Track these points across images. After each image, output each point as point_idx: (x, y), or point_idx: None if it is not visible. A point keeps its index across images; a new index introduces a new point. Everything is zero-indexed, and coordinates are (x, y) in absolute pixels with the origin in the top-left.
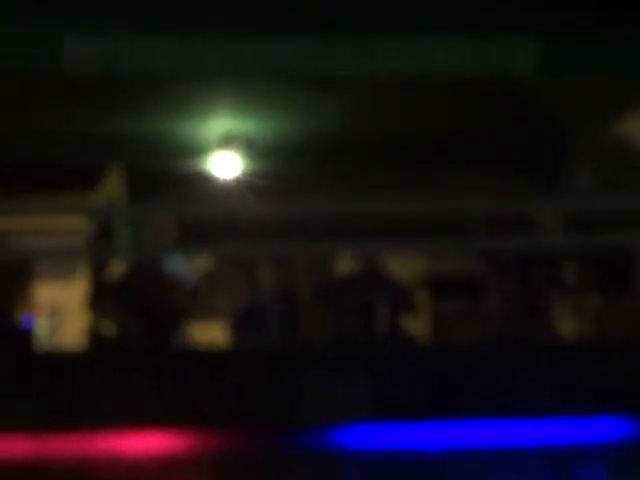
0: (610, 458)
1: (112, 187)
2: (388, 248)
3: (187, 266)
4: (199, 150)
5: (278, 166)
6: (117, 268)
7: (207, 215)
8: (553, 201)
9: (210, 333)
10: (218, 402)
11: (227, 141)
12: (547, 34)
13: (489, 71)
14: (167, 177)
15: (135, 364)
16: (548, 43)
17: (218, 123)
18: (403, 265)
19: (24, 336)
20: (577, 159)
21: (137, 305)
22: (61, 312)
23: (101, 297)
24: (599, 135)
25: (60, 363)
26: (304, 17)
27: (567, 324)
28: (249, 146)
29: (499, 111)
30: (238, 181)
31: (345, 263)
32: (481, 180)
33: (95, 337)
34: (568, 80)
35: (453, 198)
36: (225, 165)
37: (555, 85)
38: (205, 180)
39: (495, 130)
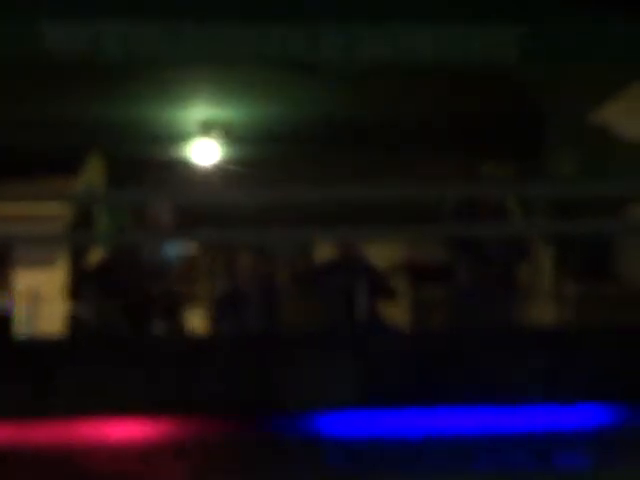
0: (592, 445)
1: (92, 174)
2: (366, 235)
3: (168, 253)
4: (179, 137)
5: (257, 153)
6: (96, 254)
7: (187, 202)
8: (534, 187)
9: (191, 319)
10: (200, 388)
11: (207, 128)
12: (530, 19)
13: (472, 57)
14: (147, 164)
15: (115, 350)
16: (531, 28)
17: (198, 110)
18: (382, 251)
19: (3, 322)
20: (559, 145)
21: (117, 291)
22: (40, 298)
23: (81, 283)
24: (581, 120)
25: (39, 349)
26: (286, 2)
27: (547, 310)
28: (229, 133)
29: (481, 96)
30: (217, 168)
31: (324, 249)
32: (461, 165)
33: (75, 323)
34: (550, 66)
35: (431, 184)
36: (205, 152)
37: (537, 70)
38: (185, 167)
39: (478, 115)
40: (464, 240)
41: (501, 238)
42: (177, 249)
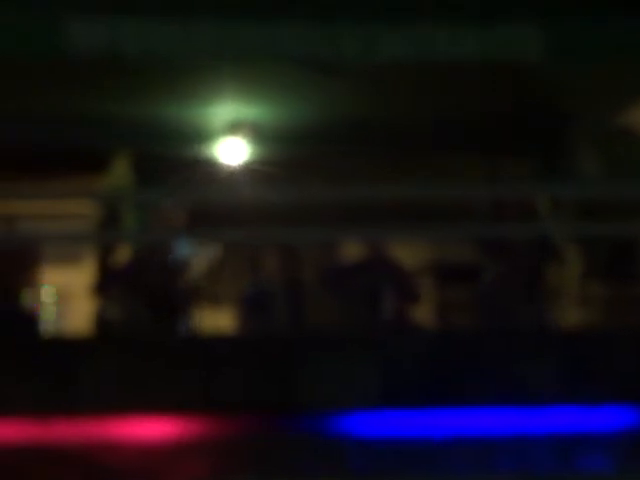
0: (614, 446)
1: (119, 172)
2: (393, 235)
3: (194, 252)
4: (206, 136)
5: (284, 151)
6: (123, 253)
7: (214, 201)
8: (556, 188)
9: (216, 319)
10: (224, 388)
11: (234, 127)
12: (551, 19)
13: (492, 56)
14: (174, 163)
15: (141, 349)
16: (552, 28)
17: (225, 109)
18: (408, 252)
19: (31, 320)
20: (581, 145)
21: (143, 290)
22: (67, 296)
23: (107, 282)
24: (603, 122)
25: (66, 346)
26: (310, 2)
27: (572, 312)
28: (256, 132)
29: (503, 97)
30: (245, 167)
31: (351, 249)
32: (483, 166)
33: (101, 322)
34: (571, 65)
35: (455, 184)
36: (232, 151)
37: (559, 70)
38: (212, 166)
39: (499, 115)
40: (491, 241)
41: (528, 239)
42: (202, 248)
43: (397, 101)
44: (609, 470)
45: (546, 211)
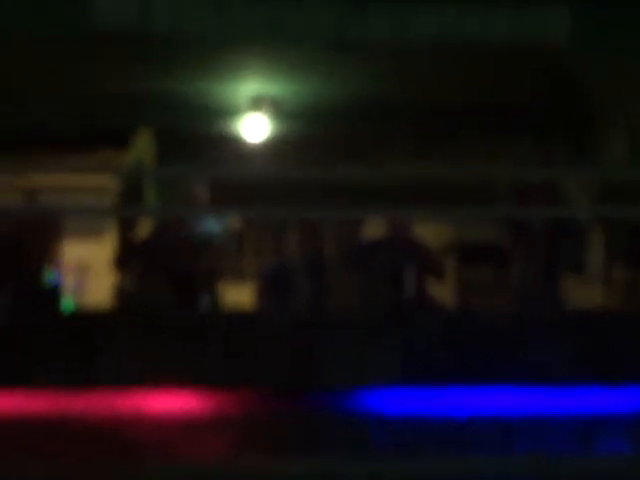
0: (634, 428)
1: (142, 147)
2: (416, 214)
3: (217, 227)
4: (229, 112)
5: (307, 129)
6: (144, 228)
7: (236, 177)
8: (585, 172)
9: (238, 295)
10: (244, 363)
11: (257, 103)
12: (582, 2)
13: (523, 38)
14: (196, 138)
15: (160, 323)
16: (583, 11)
17: (248, 85)
18: (431, 231)
19: (52, 293)
20: (611, 130)
21: (163, 265)
22: (88, 270)
23: (128, 256)
24: (634, 107)
25: (86, 320)
26: None
27: (593, 294)
28: (278, 108)
29: (532, 80)
30: (267, 144)
31: (373, 228)
32: (512, 149)
33: (122, 296)
34: (603, 49)
35: (482, 166)
36: (254, 127)
37: (590, 54)
38: (234, 142)
39: (528, 99)
40: (516, 221)
41: (553, 220)
42: (224, 224)
43: (422, 82)
44: (628, 452)
45: (571, 194)
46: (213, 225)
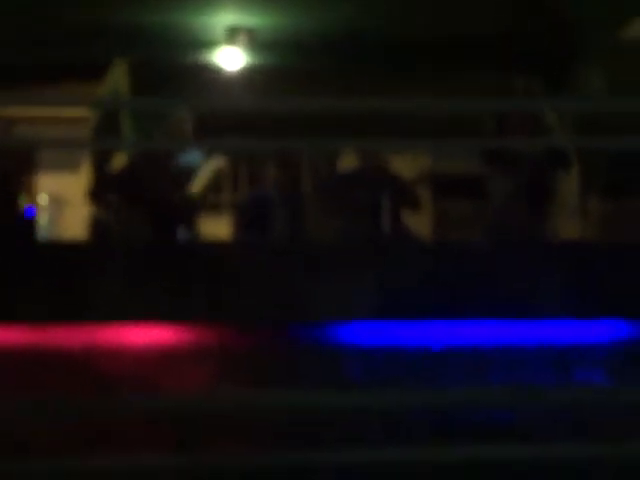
0: (609, 360)
1: (117, 79)
2: (393, 146)
3: (193, 161)
4: (204, 44)
5: (282, 61)
6: (120, 160)
7: (211, 109)
8: (562, 103)
9: (215, 228)
10: (221, 297)
11: (232, 34)
12: None
13: None
14: (172, 70)
15: (137, 256)
16: None
17: (224, 17)
18: (407, 162)
19: (26, 225)
20: (589, 62)
21: (139, 197)
22: (64, 203)
23: (103, 188)
24: (612, 38)
25: (62, 253)
26: None
27: (571, 226)
28: (254, 40)
29: (511, 12)
30: (243, 75)
31: (349, 160)
32: (491, 82)
33: (98, 228)
34: None
35: (460, 98)
36: (230, 59)
37: None
38: (210, 74)
39: (507, 32)
40: (498, 153)
41: (534, 152)
42: (201, 157)
43: (403, 15)
44: (604, 382)
45: (552, 126)
46: (192, 156)
